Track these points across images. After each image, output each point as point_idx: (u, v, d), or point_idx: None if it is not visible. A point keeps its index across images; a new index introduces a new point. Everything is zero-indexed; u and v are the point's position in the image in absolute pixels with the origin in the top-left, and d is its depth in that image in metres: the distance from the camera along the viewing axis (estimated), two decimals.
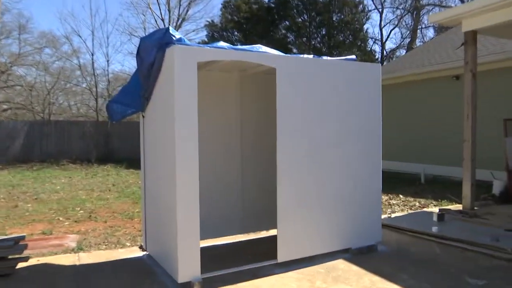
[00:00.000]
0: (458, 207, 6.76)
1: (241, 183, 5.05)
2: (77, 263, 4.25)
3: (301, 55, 4.35)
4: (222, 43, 3.96)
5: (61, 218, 6.64)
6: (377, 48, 30.77)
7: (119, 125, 18.36)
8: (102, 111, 22.49)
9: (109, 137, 18.45)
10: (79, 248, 4.79)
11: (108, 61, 22.75)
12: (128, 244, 5.01)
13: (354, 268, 4.01)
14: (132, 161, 16.05)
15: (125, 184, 10.79)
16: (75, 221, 6.42)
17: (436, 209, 6.76)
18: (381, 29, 30.24)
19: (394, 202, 7.88)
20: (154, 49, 3.69)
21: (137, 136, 18.80)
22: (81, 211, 7.22)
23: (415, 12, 28.89)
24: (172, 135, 3.45)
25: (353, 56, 4.75)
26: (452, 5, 25.83)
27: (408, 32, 30.16)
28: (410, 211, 6.97)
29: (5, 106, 21.81)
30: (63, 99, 24.86)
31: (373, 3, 30.32)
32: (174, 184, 3.43)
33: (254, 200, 5.15)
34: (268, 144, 4.98)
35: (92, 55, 22.39)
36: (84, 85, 24.08)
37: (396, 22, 30.11)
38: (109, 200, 8.33)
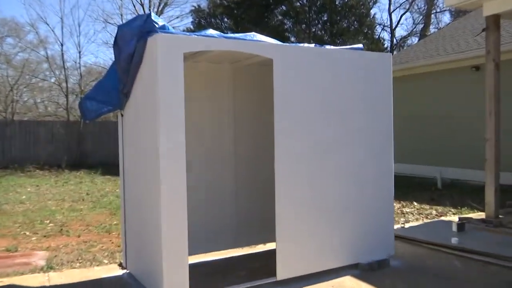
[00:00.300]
0: (481, 215, 6.80)
1: (235, 187, 5.09)
2: (47, 284, 4.21)
3: (301, 44, 4.38)
4: (211, 31, 3.98)
5: (27, 233, 6.59)
6: (386, 35, 31.02)
7: (93, 125, 18.30)
8: (74, 109, 22.36)
9: (82, 139, 18.37)
10: (49, 267, 4.76)
11: (80, 52, 22.62)
12: (106, 261, 4.99)
13: (364, 285, 4.02)
14: (109, 167, 15.97)
15: (100, 192, 10.75)
16: (44, 236, 6.38)
17: (455, 218, 6.80)
18: (390, 14, 30.45)
19: (408, 210, 7.92)
20: (134, 38, 3.70)
21: (114, 138, 18.74)
22: (51, 224, 7.18)
23: None
24: (155, 132, 3.47)
25: (360, 45, 4.78)
26: None
27: (421, 17, 30.39)
28: (426, 220, 7.01)
29: None
30: (28, 96, 24.73)
31: None
32: (158, 187, 3.44)
33: (249, 207, 5.17)
34: (265, 143, 5.01)
35: (62, 45, 22.33)
36: (52, 80, 23.96)
37: (407, 6, 30.33)
38: (83, 212, 8.29)
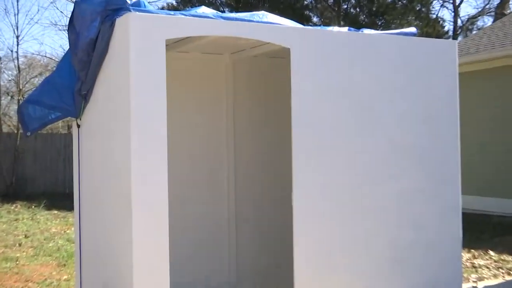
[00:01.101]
0: None
1: (234, 223, 5.15)
2: None
3: (328, 28, 4.45)
4: (204, 9, 4.04)
5: None
6: (446, 14, 31.14)
7: (35, 139, 18.36)
8: (8, 117, 22.53)
9: (19, 159, 18.44)
10: None
11: (18, 37, 22.79)
12: None
13: None
14: (57, 197, 15.97)
15: (45, 234, 10.72)
16: None
17: None
18: None
19: (482, 263, 7.83)
20: (96, 18, 3.74)
21: (65, 157, 18.74)
22: None
23: None
24: (125, 149, 3.48)
25: (412, 29, 4.82)
26: None
27: None
28: (507, 278, 6.92)
29: None
30: None
31: None
32: (129, 225, 3.43)
33: (254, 251, 5.20)
34: (277, 163, 5.08)
35: None
36: None
37: None
38: (20, 261, 8.25)
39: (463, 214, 4.75)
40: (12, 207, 15.04)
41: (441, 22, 29.31)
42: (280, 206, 4.59)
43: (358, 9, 27.29)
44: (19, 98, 19.96)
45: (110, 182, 3.79)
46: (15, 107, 21.17)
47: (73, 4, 4.12)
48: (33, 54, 27.36)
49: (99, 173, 4.00)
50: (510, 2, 29.41)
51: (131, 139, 3.43)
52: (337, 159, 4.14)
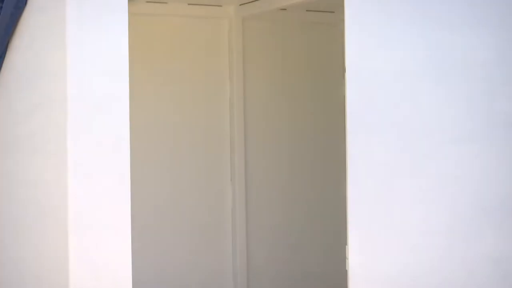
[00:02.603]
0: None
1: (245, 262, 5.27)
2: None
3: None
4: None
5: None
6: None
7: None
8: None
9: None
10: None
11: None
12: None
13: None
14: None
15: None
16: None
17: None
18: None
19: None
20: None
21: None
22: None
23: None
24: (61, 159, 3.21)
25: None
26: None
27: None
28: None
29: None
30: None
31: None
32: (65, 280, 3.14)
33: None
34: (312, 174, 5.32)
35: None
36: None
37: None
38: None
39: None
40: None
41: None
42: (327, 233, 4.84)
43: None
44: None
45: (34, 209, 3.53)
46: None
47: None
48: None
49: (14, 196, 3.79)
50: None
51: (68, 149, 3.12)
52: (416, 173, 3.84)
